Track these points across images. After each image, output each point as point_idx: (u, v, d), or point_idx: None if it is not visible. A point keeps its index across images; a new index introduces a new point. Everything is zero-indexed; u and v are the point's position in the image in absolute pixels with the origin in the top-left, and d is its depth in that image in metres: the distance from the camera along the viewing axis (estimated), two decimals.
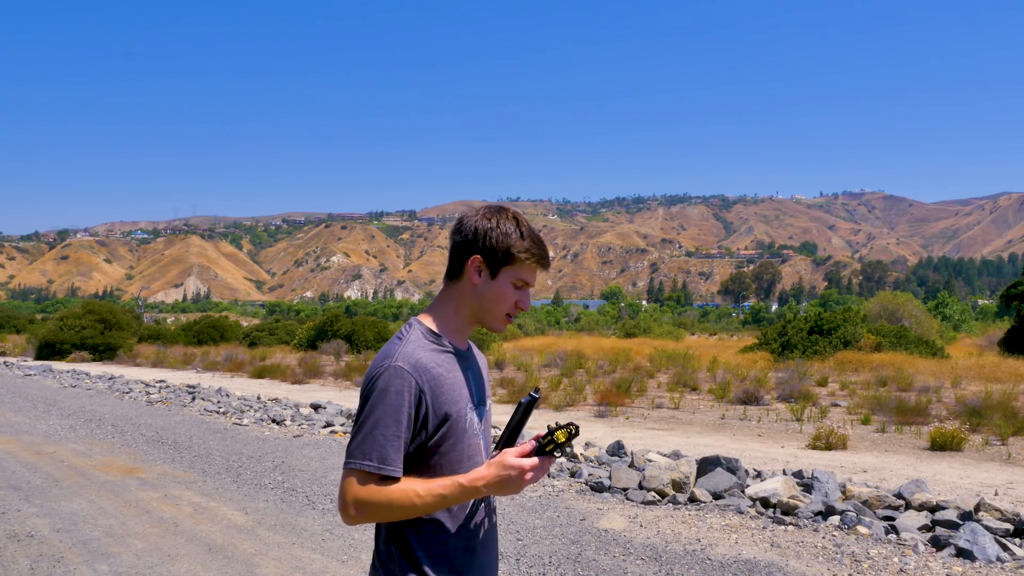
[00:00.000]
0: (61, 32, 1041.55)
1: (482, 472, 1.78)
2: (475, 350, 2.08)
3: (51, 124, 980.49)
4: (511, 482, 1.76)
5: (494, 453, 1.88)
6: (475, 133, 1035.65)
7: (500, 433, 1.95)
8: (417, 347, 1.84)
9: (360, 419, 1.79)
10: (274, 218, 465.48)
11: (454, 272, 1.93)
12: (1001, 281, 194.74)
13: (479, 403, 1.96)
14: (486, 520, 1.95)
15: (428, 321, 1.93)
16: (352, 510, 1.76)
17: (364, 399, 1.80)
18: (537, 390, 1.85)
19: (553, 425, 1.82)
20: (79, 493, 7.71)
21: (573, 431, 1.79)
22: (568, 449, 1.86)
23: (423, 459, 1.84)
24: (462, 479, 1.77)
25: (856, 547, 5.86)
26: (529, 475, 1.77)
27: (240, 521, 6.68)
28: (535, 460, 1.77)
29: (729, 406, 15.72)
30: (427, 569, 1.82)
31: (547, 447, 1.80)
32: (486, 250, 1.88)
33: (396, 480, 1.77)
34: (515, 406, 1.88)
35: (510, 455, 1.77)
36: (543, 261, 1.94)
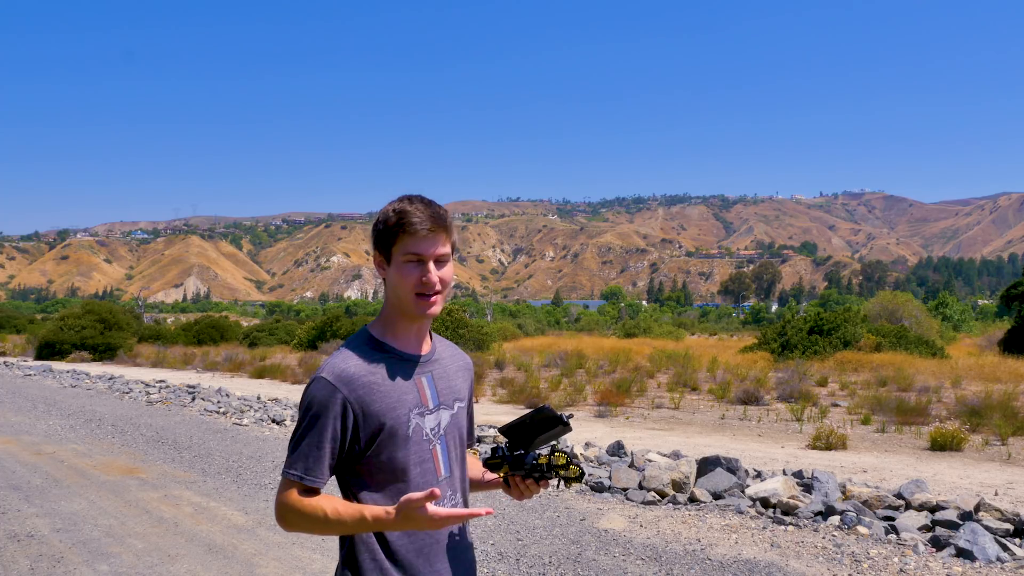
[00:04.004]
0: (61, 32, 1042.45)
1: (383, 513, 1.72)
2: (449, 351, 2.03)
3: (51, 124, 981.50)
4: (420, 524, 1.71)
5: (485, 468, 1.97)
6: (475, 133, 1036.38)
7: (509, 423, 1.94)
8: (349, 357, 1.83)
9: (295, 429, 1.82)
10: (274, 218, 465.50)
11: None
12: (1001, 281, 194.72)
13: (438, 407, 1.91)
14: (448, 533, 1.91)
15: (374, 327, 1.92)
16: (281, 514, 1.80)
17: (299, 409, 1.83)
18: (570, 415, 1.79)
19: (564, 457, 1.82)
20: (79, 493, 7.71)
21: (575, 475, 1.79)
22: (560, 484, 1.81)
23: (364, 467, 1.83)
24: (367, 512, 1.74)
25: (856, 547, 5.86)
26: (443, 515, 1.69)
27: (240, 521, 6.69)
28: (444, 511, 1.70)
29: (729, 406, 15.73)
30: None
31: (539, 470, 1.80)
32: (375, 241, 1.89)
33: (316, 492, 1.80)
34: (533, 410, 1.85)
35: (416, 498, 1.68)
36: (416, 222, 1.80)
